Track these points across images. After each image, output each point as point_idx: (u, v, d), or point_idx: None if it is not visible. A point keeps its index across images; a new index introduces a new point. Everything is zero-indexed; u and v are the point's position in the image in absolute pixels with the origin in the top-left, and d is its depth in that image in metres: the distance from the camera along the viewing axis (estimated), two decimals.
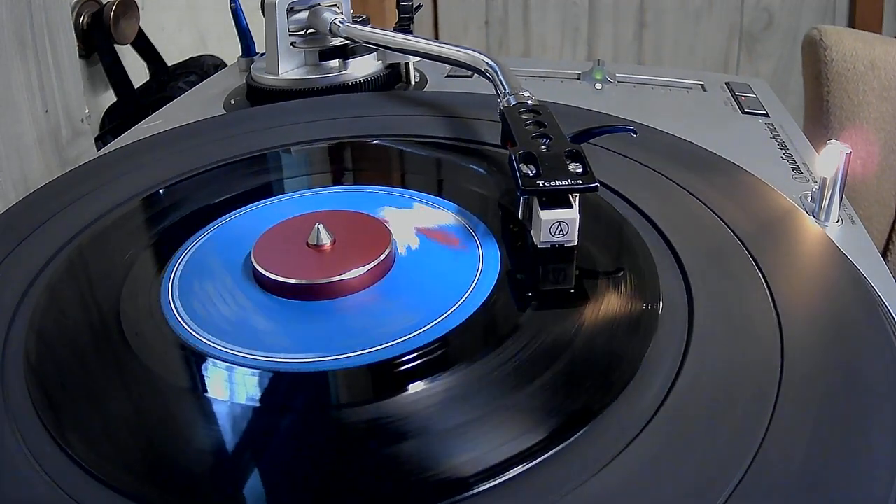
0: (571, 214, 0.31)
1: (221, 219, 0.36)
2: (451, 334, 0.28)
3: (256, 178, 0.42)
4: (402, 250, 0.33)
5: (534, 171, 0.32)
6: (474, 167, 0.42)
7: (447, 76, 0.61)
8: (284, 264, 0.31)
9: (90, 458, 0.24)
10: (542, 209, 0.31)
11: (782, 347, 0.27)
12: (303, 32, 0.57)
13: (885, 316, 0.28)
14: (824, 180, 0.37)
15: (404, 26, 0.57)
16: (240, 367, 0.27)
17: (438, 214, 0.36)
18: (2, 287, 0.33)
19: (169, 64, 0.81)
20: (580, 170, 0.32)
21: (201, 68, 0.79)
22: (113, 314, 0.30)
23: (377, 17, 0.85)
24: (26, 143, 0.60)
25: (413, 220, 0.35)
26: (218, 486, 0.23)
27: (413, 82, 0.59)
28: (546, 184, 0.31)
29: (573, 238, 0.31)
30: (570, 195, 0.32)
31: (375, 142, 0.46)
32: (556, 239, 0.31)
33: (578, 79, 0.60)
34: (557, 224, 0.31)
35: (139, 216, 0.38)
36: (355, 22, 0.55)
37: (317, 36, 0.57)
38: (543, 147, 0.33)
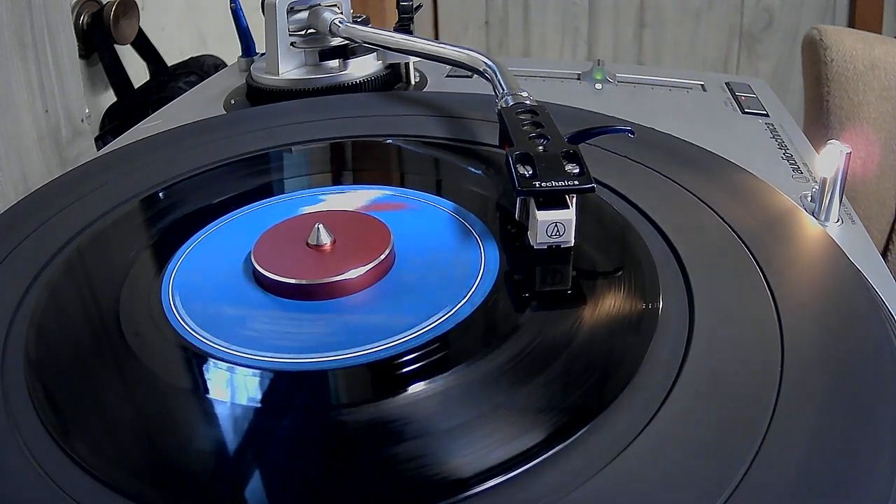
0: (568, 215, 0.31)
1: (221, 219, 0.36)
2: (450, 334, 0.28)
3: (256, 178, 0.42)
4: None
5: (530, 172, 0.32)
6: (473, 167, 0.42)
7: (447, 76, 0.61)
8: (284, 264, 0.31)
9: (90, 457, 0.24)
10: (538, 210, 0.31)
11: (782, 347, 0.27)
12: (303, 32, 0.57)
13: (885, 316, 0.28)
14: (824, 180, 0.37)
15: (404, 26, 0.57)
16: (240, 367, 0.27)
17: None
18: (2, 287, 0.33)
19: (169, 64, 0.81)
20: (577, 170, 0.32)
21: (201, 68, 0.79)
22: (113, 314, 0.30)
23: (377, 17, 0.85)
24: (26, 143, 0.60)
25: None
26: (217, 486, 0.23)
27: (413, 82, 0.59)
28: (542, 184, 0.31)
29: (570, 239, 0.31)
30: (566, 196, 0.32)
31: (375, 142, 0.46)
32: (552, 240, 0.31)
33: (578, 79, 0.60)
34: (554, 225, 0.31)
35: (139, 216, 0.38)
36: (355, 22, 0.55)
37: (317, 36, 0.57)
38: (540, 148, 0.33)
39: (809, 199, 0.39)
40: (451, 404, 0.25)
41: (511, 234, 0.34)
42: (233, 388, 0.26)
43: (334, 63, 0.56)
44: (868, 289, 0.30)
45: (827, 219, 0.38)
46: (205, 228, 0.36)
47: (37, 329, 0.30)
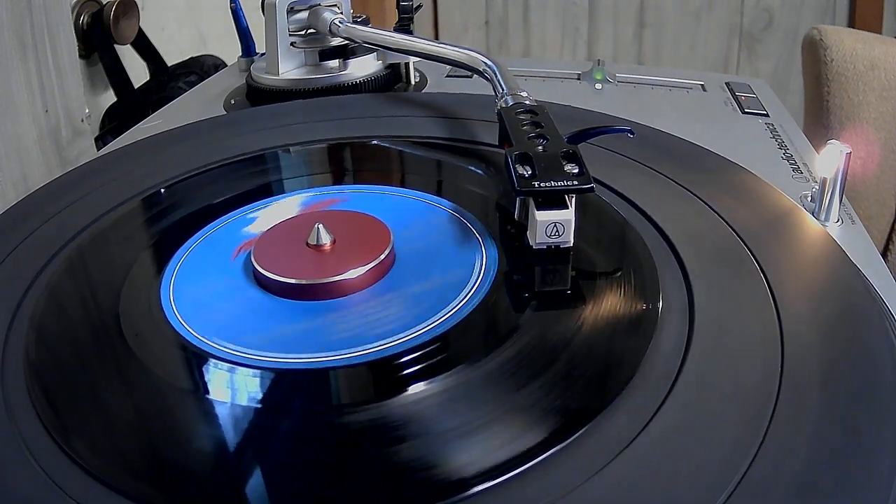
0: (567, 215, 0.31)
1: (221, 219, 0.36)
2: (449, 335, 0.28)
3: (256, 178, 0.42)
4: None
5: (530, 172, 0.32)
6: (473, 168, 0.42)
7: (447, 76, 0.61)
8: (284, 264, 0.31)
9: (90, 457, 0.24)
10: (537, 210, 0.31)
11: (783, 347, 0.27)
12: (303, 32, 0.57)
13: (885, 316, 0.28)
14: (824, 180, 0.37)
15: (404, 26, 0.57)
16: (239, 367, 0.27)
17: None
18: (2, 287, 0.33)
19: (169, 64, 0.82)
20: (576, 170, 0.32)
21: (201, 68, 0.79)
22: (112, 314, 0.30)
23: (377, 17, 0.85)
24: (26, 143, 0.60)
25: None
26: (217, 486, 0.23)
27: (413, 82, 0.59)
28: (542, 184, 0.31)
29: (569, 239, 0.31)
30: (566, 196, 0.32)
31: (374, 142, 0.46)
32: (551, 240, 0.31)
33: (578, 79, 0.60)
34: (553, 225, 0.31)
35: (139, 216, 0.38)
36: (355, 22, 0.55)
37: (317, 36, 0.57)
38: (540, 148, 0.33)
39: (809, 199, 0.39)
40: (450, 404, 0.25)
41: (510, 234, 0.34)
42: (233, 389, 0.26)
43: (334, 63, 0.56)
44: (868, 289, 0.30)
45: (827, 219, 0.38)
46: (205, 228, 0.36)
47: (37, 329, 0.30)
